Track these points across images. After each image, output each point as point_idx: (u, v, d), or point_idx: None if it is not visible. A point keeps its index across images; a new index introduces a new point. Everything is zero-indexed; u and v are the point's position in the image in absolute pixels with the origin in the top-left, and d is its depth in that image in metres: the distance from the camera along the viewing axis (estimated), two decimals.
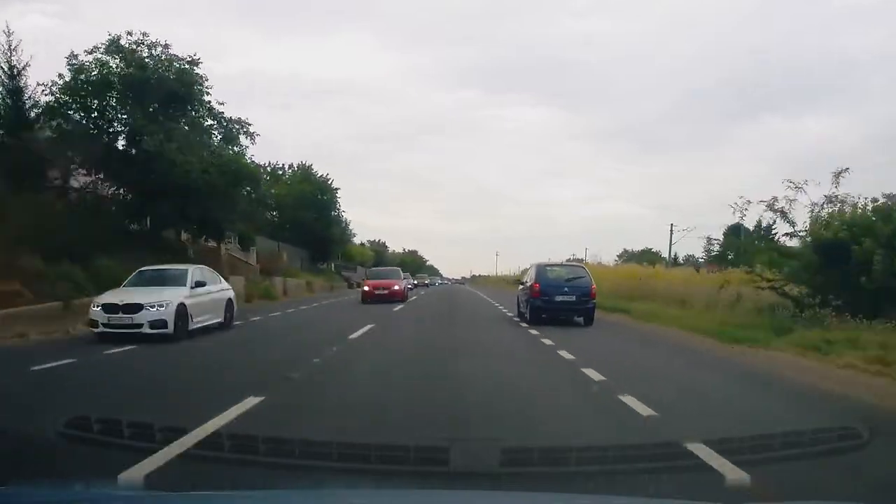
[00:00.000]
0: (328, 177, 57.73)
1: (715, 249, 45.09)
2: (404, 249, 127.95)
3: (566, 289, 17.41)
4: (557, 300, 17.30)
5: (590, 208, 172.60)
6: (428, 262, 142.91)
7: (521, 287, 20.48)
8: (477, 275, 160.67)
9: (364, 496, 3.03)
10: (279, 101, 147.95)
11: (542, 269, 18.34)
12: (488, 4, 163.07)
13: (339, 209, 59.68)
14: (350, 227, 67.58)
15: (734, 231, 31.01)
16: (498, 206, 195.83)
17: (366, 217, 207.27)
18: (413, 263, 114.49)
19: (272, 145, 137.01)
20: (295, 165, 57.63)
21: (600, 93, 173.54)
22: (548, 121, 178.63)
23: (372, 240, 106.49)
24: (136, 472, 4.07)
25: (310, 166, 56.81)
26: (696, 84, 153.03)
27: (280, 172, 55.54)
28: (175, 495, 3.00)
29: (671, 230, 59.40)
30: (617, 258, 67.82)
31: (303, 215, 51.76)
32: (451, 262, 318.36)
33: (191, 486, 3.75)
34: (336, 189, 58.08)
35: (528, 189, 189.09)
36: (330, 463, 4.19)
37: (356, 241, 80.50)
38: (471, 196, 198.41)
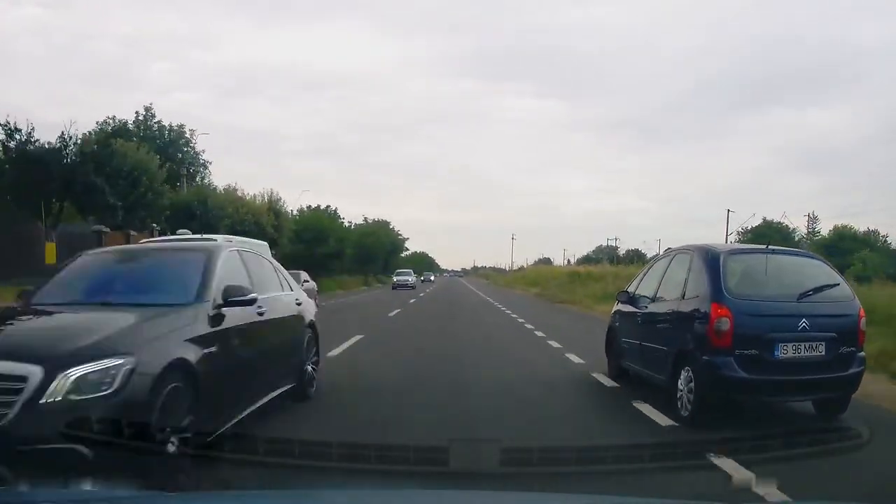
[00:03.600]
0: None
1: None
2: (366, 219, 72.81)
3: (804, 323, 6.44)
4: (783, 357, 6.39)
5: (593, 200, 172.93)
6: (407, 241, 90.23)
7: (637, 309, 8.35)
8: (479, 266, 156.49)
9: (364, 496, 3.03)
10: (278, 92, 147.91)
11: (725, 264, 6.78)
12: None
13: None
14: None
15: None
16: (500, 196, 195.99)
17: (365, 209, 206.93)
18: (378, 245, 65.94)
19: (273, 136, 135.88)
20: None
21: (603, 84, 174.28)
22: (551, 111, 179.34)
23: (312, 205, 57.84)
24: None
25: None
26: (701, 76, 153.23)
27: None
28: (175, 495, 3.01)
29: None
30: (739, 234, 45.86)
31: None
32: (452, 254, 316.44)
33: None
34: None
35: (531, 180, 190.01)
36: (330, 463, 4.19)
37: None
38: (472, 186, 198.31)
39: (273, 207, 39.52)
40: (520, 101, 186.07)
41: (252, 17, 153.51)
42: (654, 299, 7.85)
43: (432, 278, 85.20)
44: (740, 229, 43.21)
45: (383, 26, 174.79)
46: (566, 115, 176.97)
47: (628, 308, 8.60)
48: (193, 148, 38.72)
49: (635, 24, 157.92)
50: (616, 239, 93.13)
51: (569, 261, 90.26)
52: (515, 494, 3.31)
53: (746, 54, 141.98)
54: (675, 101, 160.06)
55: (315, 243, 45.25)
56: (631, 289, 8.77)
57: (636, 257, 65.47)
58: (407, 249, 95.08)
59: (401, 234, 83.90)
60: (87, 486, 2.94)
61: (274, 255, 38.63)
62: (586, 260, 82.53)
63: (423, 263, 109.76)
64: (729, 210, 60.72)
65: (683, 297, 7.05)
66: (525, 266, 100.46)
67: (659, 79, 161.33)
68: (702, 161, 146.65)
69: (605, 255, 78.92)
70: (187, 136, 38.61)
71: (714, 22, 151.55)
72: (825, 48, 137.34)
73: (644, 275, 8.78)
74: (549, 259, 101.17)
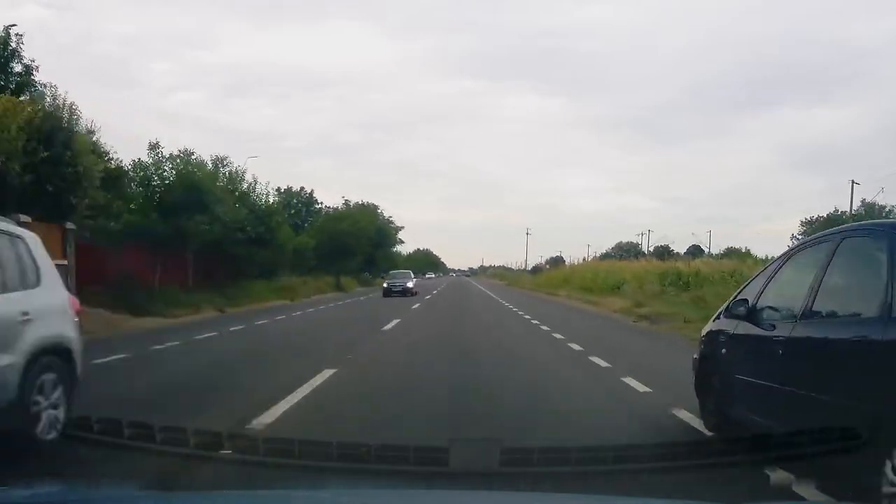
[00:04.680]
0: None
1: None
2: (346, 202, 57.16)
3: None
4: None
5: (596, 200, 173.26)
6: (402, 231, 68.85)
7: (764, 331, 5.14)
8: (487, 266, 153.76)
9: (364, 496, 3.03)
10: (278, 91, 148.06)
11: None
12: None
13: None
14: None
15: None
16: (504, 195, 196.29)
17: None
18: (356, 233, 47.78)
19: (272, 135, 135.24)
20: None
21: (604, 83, 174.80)
22: (554, 110, 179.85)
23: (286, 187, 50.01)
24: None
25: None
26: (705, 73, 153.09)
27: None
28: (175, 495, 3.01)
29: None
30: (804, 223, 36.43)
31: None
32: (457, 253, 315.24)
33: None
34: None
35: (535, 178, 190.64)
36: (330, 463, 4.20)
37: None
38: (475, 185, 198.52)
39: (50, 118, 17.15)
40: (522, 101, 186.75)
41: (252, 16, 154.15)
42: (804, 315, 4.79)
43: (409, 284, 40.88)
44: (856, 206, 35.46)
45: (384, 25, 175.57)
46: (570, 113, 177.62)
47: (746, 328, 5.52)
48: (30, 66, 21.14)
49: (637, 23, 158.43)
50: (648, 232, 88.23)
51: (584, 258, 79.04)
52: (515, 494, 3.31)
53: (751, 53, 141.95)
54: (680, 99, 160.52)
55: (186, 215, 24.77)
56: (750, 297, 5.62)
57: (665, 253, 56.71)
58: (402, 241, 74.52)
59: (392, 222, 63.84)
60: (87, 486, 2.94)
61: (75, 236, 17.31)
62: (606, 257, 71.43)
63: (427, 262, 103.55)
64: (853, 181, 44.04)
65: (889, 314, 3.88)
66: (541, 265, 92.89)
67: (658, 78, 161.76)
68: (709, 160, 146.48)
69: (629, 253, 71.39)
70: (13, 45, 21.41)
71: (718, 19, 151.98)
72: (829, 47, 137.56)
73: (773, 275, 5.62)
74: (561, 257, 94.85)
